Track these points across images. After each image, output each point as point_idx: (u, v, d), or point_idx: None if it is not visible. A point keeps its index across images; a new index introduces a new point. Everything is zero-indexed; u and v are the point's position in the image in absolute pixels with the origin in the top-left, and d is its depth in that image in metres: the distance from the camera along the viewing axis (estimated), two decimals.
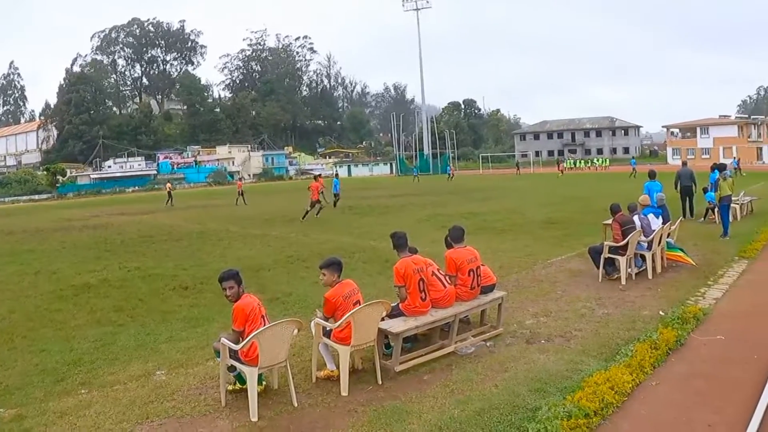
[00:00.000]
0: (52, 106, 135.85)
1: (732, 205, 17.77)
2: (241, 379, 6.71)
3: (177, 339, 9.20)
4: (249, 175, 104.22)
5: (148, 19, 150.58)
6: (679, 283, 11.29)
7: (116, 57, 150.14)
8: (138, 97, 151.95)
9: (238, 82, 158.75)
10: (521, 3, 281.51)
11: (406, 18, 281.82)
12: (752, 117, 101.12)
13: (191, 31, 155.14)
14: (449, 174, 71.29)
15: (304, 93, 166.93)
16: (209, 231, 24.41)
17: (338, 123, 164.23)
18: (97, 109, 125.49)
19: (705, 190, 20.21)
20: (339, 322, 6.76)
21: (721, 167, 18.16)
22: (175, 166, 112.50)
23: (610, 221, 12.83)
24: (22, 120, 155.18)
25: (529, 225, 21.35)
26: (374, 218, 26.67)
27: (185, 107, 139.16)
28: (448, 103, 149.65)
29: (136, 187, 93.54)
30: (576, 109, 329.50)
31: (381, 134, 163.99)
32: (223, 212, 35.30)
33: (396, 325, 7.31)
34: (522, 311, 9.80)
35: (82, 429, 6.13)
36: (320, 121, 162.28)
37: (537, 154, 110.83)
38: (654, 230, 12.07)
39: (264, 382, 6.90)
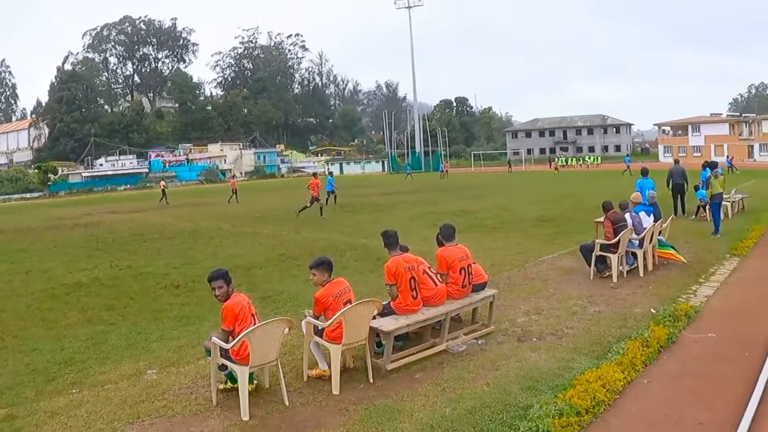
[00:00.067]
0: (43, 104, 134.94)
1: (723, 202, 17.85)
2: (232, 378, 6.69)
3: (168, 338, 9.18)
4: (241, 173, 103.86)
5: (140, 17, 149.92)
6: (671, 281, 11.33)
7: (108, 55, 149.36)
8: (130, 95, 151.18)
9: (229, 79, 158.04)
10: (512, 1, 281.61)
11: (398, 16, 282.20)
12: (743, 115, 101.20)
13: (183, 28, 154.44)
14: (442, 172, 71.15)
15: (296, 91, 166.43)
16: (201, 229, 24.35)
17: (330, 121, 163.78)
18: (88, 107, 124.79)
19: (696, 188, 20.28)
20: (330, 321, 6.75)
21: (713, 165, 18.19)
22: (167, 164, 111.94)
23: (602, 219, 12.85)
24: (14, 118, 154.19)
25: (521, 222, 21.38)
26: (366, 216, 26.66)
27: (177, 105, 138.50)
28: (440, 101, 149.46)
29: (128, 186, 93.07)
30: (568, 106, 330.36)
31: (373, 132, 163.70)
32: (215, 210, 35.21)
33: (387, 324, 7.30)
34: (514, 309, 9.81)
35: (73, 429, 6.11)
36: (312, 119, 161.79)
37: (529, 151, 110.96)
38: (645, 228, 12.11)
39: (255, 381, 6.88)
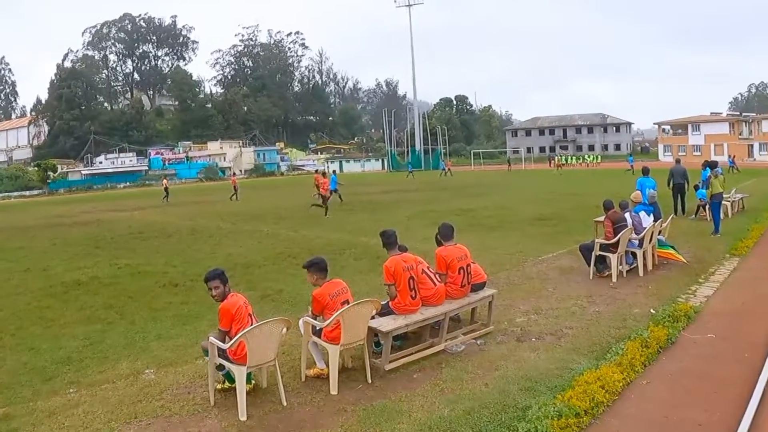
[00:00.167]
0: (43, 101, 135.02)
1: (723, 202, 17.82)
2: (230, 377, 6.66)
3: (166, 337, 9.16)
4: (240, 171, 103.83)
5: (140, 15, 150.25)
6: (670, 281, 11.30)
7: (108, 52, 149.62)
8: (129, 93, 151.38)
9: (229, 77, 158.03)
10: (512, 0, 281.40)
11: (398, 14, 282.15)
12: (743, 114, 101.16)
13: (183, 26, 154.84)
14: (444, 170, 70.94)
15: (296, 89, 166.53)
16: (200, 227, 24.32)
17: (330, 119, 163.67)
18: (88, 104, 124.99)
19: (696, 188, 20.24)
20: (328, 321, 6.73)
21: (713, 165, 18.15)
22: (167, 162, 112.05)
23: (602, 218, 12.82)
24: (13, 116, 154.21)
25: (520, 222, 21.34)
26: (366, 215, 26.62)
27: (177, 103, 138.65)
28: (440, 99, 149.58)
29: (128, 183, 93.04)
30: (568, 105, 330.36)
31: (373, 130, 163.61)
32: (214, 208, 35.16)
33: (386, 324, 7.28)
34: (513, 309, 9.78)
35: (70, 429, 6.09)
36: (312, 117, 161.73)
37: (529, 150, 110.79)
38: (645, 228, 12.08)
39: (253, 381, 6.86)
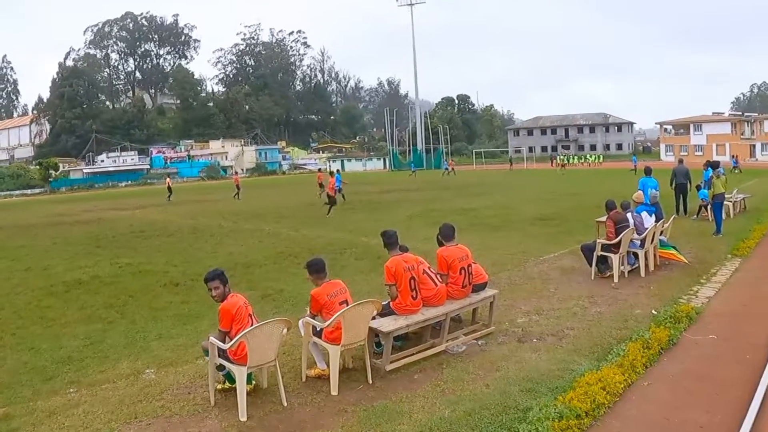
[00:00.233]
0: (45, 100, 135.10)
1: (725, 202, 17.78)
2: (230, 378, 6.65)
3: (167, 336, 9.15)
4: (242, 170, 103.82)
5: (142, 13, 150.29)
6: (672, 282, 11.28)
7: (109, 51, 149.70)
8: (131, 92, 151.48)
9: (231, 76, 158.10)
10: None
11: (400, 13, 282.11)
12: (745, 114, 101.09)
13: (185, 25, 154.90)
14: (447, 169, 70.80)
15: (298, 87, 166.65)
16: (201, 226, 24.32)
17: (332, 118, 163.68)
18: (90, 103, 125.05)
19: (698, 188, 20.21)
20: (329, 322, 6.71)
21: (715, 165, 18.12)
22: (168, 161, 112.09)
23: (603, 219, 12.81)
24: (15, 114, 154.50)
25: (522, 221, 21.30)
26: (367, 214, 26.60)
27: (178, 101, 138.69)
28: (442, 98, 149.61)
29: (129, 182, 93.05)
30: (570, 105, 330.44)
31: (374, 129, 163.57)
32: (215, 207, 35.14)
33: (387, 324, 7.26)
34: (514, 309, 9.76)
35: (70, 429, 6.09)
36: (314, 116, 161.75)
37: (531, 149, 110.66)
38: (647, 228, 12.05)
39: (253, 381, 6.85)
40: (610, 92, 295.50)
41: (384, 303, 7.50)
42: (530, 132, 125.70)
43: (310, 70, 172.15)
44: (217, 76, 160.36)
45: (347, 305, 6.93)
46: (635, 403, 6.16)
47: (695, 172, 22.15)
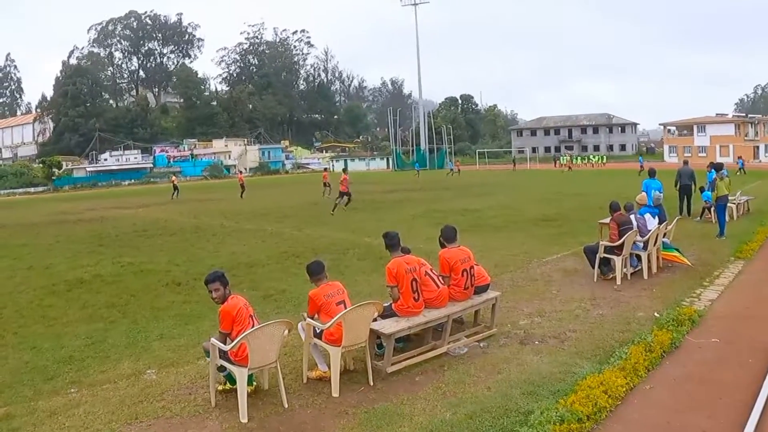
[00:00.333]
0: (48, 98, 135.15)
1: (729, 204, 17.73)
2: (231, 379, 6.64)
3: (168, 336, 9.15)
4: (246, 169, 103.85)
5: (146, 12, 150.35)
6: (675, 284, 11.24)
7: (113, 49, 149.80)
8: (135, 90, 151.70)
9: (235, 75, 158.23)
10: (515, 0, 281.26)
11: (404, 12, 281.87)
12: (749, 116, 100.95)
13: (189, 23, 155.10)
14: (451, 169, 70.60)
15: (301, 87, 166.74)
16: (204, 226, 24.33)
17: (335, 117, 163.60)
18: (93, 101, 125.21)
19: (702, 190, 20.15)
20: (330, 323, 6.70)
21: (719, 167, 18.07)
22: (172, 160, 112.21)
23: (607, 220, 12.77)
24: (19, 112, 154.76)
25: (525, 222, 21.27)
26: (370, 214, 26.58)
27: (182, 100, 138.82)
28: (446, 98, 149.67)
29: (132, 181, 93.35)
30: (573, 105, 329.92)
31: (378, 129, 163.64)
32: (218, 206, 35.17)
33: (388, 326, 7.24)
34: (516, 311, 9.74)
35: (70, 429, 6.08)
36: (317, 115, 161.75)
37: (534, 150, 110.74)
38: (650, 230, 12.02)
39: (254, 383, 6.84)
40: (610, 92, 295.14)
41: (386, 305, 7.48)
42: (533, 132, 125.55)
43: (314, 69, 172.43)
44: (220, 75, 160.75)
45: (345, 306, 6.93)
46: (637, 407, 6.13)
47: (699, 173, 22.11)
